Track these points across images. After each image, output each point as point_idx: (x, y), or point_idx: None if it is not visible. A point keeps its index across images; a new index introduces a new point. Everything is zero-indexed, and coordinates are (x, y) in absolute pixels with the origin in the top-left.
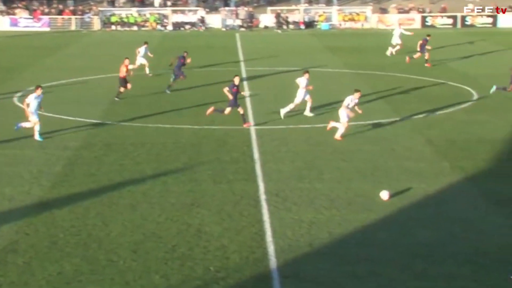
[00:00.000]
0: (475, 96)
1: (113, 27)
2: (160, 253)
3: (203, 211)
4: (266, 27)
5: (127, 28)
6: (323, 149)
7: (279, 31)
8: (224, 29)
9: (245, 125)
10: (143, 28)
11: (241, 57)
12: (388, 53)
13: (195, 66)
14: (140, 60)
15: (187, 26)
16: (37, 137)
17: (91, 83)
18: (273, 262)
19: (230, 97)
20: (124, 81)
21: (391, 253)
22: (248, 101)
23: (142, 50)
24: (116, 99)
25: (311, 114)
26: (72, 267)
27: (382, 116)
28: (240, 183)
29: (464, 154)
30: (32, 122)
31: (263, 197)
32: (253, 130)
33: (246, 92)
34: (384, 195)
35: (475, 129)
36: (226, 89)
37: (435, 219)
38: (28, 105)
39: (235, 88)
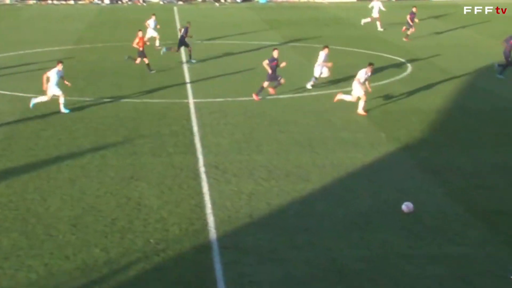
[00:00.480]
0: (410, 68)
1: (49, 1)
2: (100, 226)
3: (143, 184)
4: (204, 1)
5: (63, 2)
6: (261, 121)
7: (217, 4)
8: (162, 3)
9: (255, 96)
10: (79, 2)
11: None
12: (379, 28)
13: (132, 40)
14: (151, 33)
15: (125, 0)
16: (63, 109)
17: (27, 57)
18: (212, 233)
19: (270, 71)
20: (142, 53)
21: (329, 222)
22: (186, 74)
23: (151, 22)
24: (152, 71)
25: (310, 87)
26: (10, 242)
27: (319, 88)
28: (180, 156)
29: (399, 124)
30: (49, 96)
31: (202, 169)
32: (192, 103)
33: (283, 64)
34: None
35: (410, 100)
36: (265, 63)
37: (371, 189)
38: (48, 79)
39: (275, 61)
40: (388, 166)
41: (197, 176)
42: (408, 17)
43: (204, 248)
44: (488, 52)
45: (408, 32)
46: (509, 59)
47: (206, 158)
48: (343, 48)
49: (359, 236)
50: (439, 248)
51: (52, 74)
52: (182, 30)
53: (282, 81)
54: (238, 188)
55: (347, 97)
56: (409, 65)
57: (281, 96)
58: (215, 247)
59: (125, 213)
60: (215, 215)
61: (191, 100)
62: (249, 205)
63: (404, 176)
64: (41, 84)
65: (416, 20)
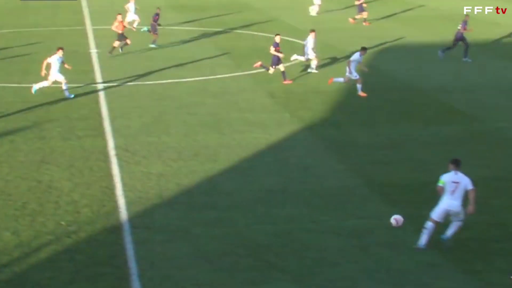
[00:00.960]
0: None
1: None
2: (10, 210)
3: (53, 167)
4: None
5: None
6: (169, 104)
7: None
8: None
9: (285, 82)
10: None
11: (86, 16)
12: (313, 13)
13: (41, 25)
14: (131, 17)
15: None
16: (67, 94)
17: None
18: (123, 214)
19: (278, 54)
20: (122, 36)
21: (236, 200)
22: (95, 59)
23: (131, 6)
24: (109, 54)
25: (315, 71)
26: None
27: (225, 71)
28: (90, 139)
29: (302, 105)
30: (50, 81)
31: (112, 152)
32: (101, 87)
33: (281, 54)
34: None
35: (312, 81)
36: (272, 50)
37: (276, 166)
38: (48, 65)
39: (278, 46)
40: (292, 145)
41: (107, 159)
42: (356, 3)
43: (116, 228)
44: (388, 34)
45: (365, 17)
46: (457, 42)
47: (115, 140)
48: (247, 32)
49: (266, 212)
50: (341, 222)
51: (53, 61)
52: (152, 18)
53: (281, 68)
54: (147, 170)
55: (340, 80)
56: None
57: (189, 79)
58: (126, 227)
59: (35, 196)
60: (126, 196)
61: (100, 85)
62: (158, 185)
63: (307, 153)
64: (40, 69)
65: (364, 5)
